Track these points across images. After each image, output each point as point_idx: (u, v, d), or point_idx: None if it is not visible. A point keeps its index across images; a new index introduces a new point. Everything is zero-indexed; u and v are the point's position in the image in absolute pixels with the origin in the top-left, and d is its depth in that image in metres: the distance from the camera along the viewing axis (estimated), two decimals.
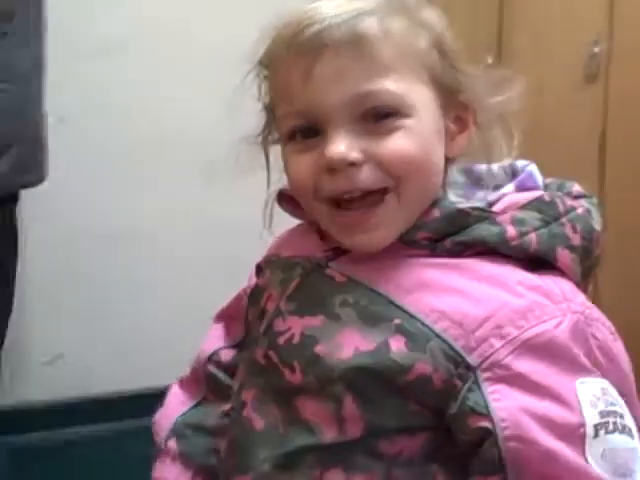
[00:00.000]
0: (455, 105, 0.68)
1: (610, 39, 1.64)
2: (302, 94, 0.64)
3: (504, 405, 0.57)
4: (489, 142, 0.70)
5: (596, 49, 1.66)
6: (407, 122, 0.64)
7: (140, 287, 1.86)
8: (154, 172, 1.85)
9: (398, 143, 0.63)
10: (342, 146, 0.63)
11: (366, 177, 0.63)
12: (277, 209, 0.75)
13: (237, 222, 1.83)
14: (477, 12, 2.01)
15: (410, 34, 0.65)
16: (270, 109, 0.71)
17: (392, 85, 0.63)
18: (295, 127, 0.66)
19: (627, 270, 1.62)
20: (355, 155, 0.63)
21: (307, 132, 0.65)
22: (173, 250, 1.86)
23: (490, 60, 1.91)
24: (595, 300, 1.71)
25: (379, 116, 0.63)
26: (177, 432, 0.78)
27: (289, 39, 0.64)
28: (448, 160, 0.69)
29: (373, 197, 0.64)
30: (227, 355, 0.81)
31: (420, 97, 0.65)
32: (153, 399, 0.83)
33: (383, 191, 0.64)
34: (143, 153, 1.83)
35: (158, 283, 1.90)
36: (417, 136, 0.64)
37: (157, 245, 1.85)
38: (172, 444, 0.77)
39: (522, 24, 1.89)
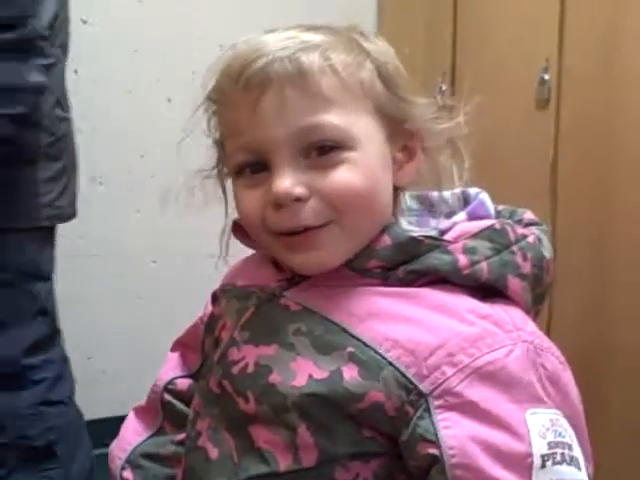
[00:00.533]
0: (402, 134, 0.69)
1: (560, 65, 1.68)
2: (248, 129, 0.65)
3: (453, 433, 0.58)
4: (439, 168, 0.71)
5: (546, 76, 1.69)
6: (351, 155, 0.64)
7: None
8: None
9: (343, 177, 0.64)
10: (287, 182, 0.63)
11: (310, 212, 0.64)
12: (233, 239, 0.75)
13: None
14: (431, 41, 2.05)
15: (353, 66, 0.66)
16: (220, 144, 0.72)
17: (335, 119, 0.64)
18: (243, 162, 0.67)
19: (579, 296, 1.64)
20: (300, 190, 0.64)
21: (255, 167, 0.66)
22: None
23: (444, 87, 1.97)
24: (548, 325, 1.74)
25: (323, 150, 0.64)
26: (132, 462, 0.77)
27: (236, 74, 0.65)
28: (398, 189, 0.70)
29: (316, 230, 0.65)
30: (183, 384, 0.80)
31: (365, 129, 0.66)
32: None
33: (326, 223, 0.65)
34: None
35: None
36: (362, 169, 0.65)
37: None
38: (127, 474, 0.76)
39: (475, 52, 1.93)
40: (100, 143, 1.91)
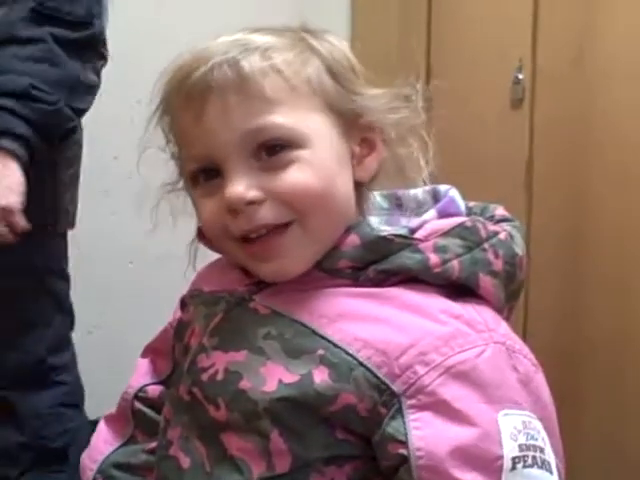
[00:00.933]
0: (358, 128, 0.68)
1: (533, 65, 1.69)
2: (195, 138, 0.65)
3: (422, 434, 0.58)
4: (402, 160, 0.70)
5: (520, 75, 1.70)
6: (302, 153, 0.64)
7: None
8: None
9: (294, 176, 0.63)
10: (240, 187, 0.63)
11: (267, 213, 0.63)
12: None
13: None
14: (405, 41, 2.05)
15: (297, 63, 0.65)
16: (178, 155, 0.71)
17: (280, 118, 0.63)
18: (195, 171, 0.66)
19: (555, 292, 1.65)
20: (253, 194, 0.63)
21: (208, 175, 0.66)
22: None
23: (419, 87, 1.96)
24: (524, 322, 1.75)
25: (272, 151, 0.63)
26: (104, 472, 0.76)
27: (179, 84, 0.65)
28: (361, 184, 0.69)
29: (280, 230, 0.64)
30: (154, 391, 0.79)
31: (315, 126, 0.65)
32: None
33: (287, 224, 0.64)
34: None
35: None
36: (314, 167, 0.64)
37: None
38: None
39: (449, 52, 1.93)
40: None
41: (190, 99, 0.64)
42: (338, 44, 0.69)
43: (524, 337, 1.61)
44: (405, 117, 0.69)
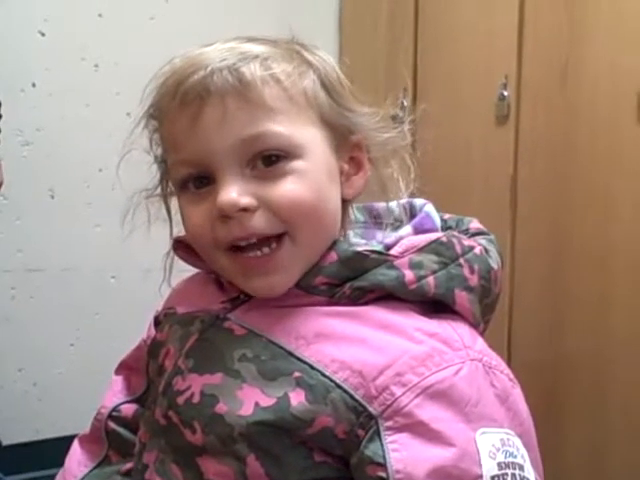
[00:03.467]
0: (348, 145, 0.68)
1: (519, 81, 1.69)
2: (189, 143, 0.63)
3: (400, 456, 0.57)
4: (384, 179, 0.70)
5: (505, 92, 1.70)
6: (298, 165, 0.63)
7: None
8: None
9: (289, 188, 0.62)
10: (233, 193, 0.62)
11: (259, 222, 0.62)
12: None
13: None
14: (392, 57, 2.05)
15: (295, 75, 0.64)
16: (163, 160, 0.70)
17: (278, 127, 0.62)
18: (186, 176, 0.65)
19: (539, 309, 1.65)
20: (246, 200, 0.62)
21: (199, 181, 0.64)
22: None
23: (406, 103, 1.97)
24: (508, 338, 1.74)
25: (269, 160, 0.63)
26: None
27: (174, 88, 0.63)
28: (346, 201, 0.68)
29: (269, 242, 0.63)
30: (128, 410, 0.78)
31: (310, 138, 0.64)
32: None
33: (278, 236, 0.63)
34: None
35: None
36: (309, 179, 0.63)
37: None
38: None
39: (435, 68, 1.94)
40: (55, 157, 1.89)
41: (186, 102, 0.62)
42: (328, 60, 0.69)
43: (508, 351, 1.62)
44: (392, 137, 0.69)
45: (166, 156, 0.68)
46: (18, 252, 1.91)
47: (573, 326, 1.58)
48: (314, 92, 0.65)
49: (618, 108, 1.49)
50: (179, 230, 0.71)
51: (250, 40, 0.66)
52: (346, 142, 0.67)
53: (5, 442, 1.74)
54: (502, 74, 1.70)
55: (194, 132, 0.62)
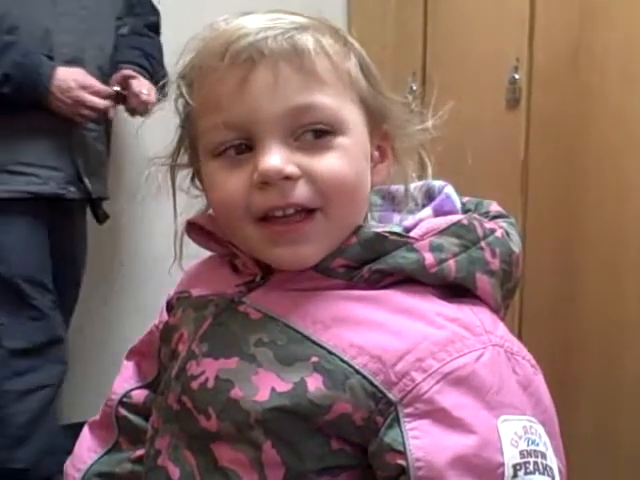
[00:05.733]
0: (379, 133, 0.67)
1: (530, 65, 1.67)
2: (235, 105, 0.61)
3: (421, 444, 0.56)
4: (403, 171, 0.69)
5: (516, 75, 1.69)
6: (343, 141, 0.62)
7: None
8: None
9: (334, 162, 0.61)
10: (278, 158, 0.60)
11: (300, 192, 0.60)
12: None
13: None
14: (402, 40, 2.04)
15: (341, 54, 0.63)
16: (187, 126, 0.67)
17: (329, 100, 0.61)
18: (225, 140, 0.62)
19: (549, 293, 1.64)
20: (291, 169, 0.60)
21: (237, 147, 0.62)
22: None
23: (415, 86, 1.95)
24: (519, 322, 1.73)
25: (316, 132, 0.61)
26: None
27: (221, 48, 0.61)
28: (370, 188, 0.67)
29: (303, 214, 0.61)
30: (139, 396, 0.76)
31: (353, 116, 0.63)
32: None
33: (311, 210, 0.62)
34: None
35: None
36: (351, 158, 0.62)
37: None
38: None
39: (445, 51, 1.92)
40: None
41: (236, 63, 0.60)
42: (360, 47, 0.68)
43: (519, 335, 1.61)
44: (419, 131, 0.68)
45: (196, 119, 0.65)
46: None
47: (584, 311, 1.57)
48: (356, 74, 0.64)
49: (629, 91, 1.48)
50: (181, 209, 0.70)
51: (293, 13, 0.64)
52: (378, 129, 0.67)
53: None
54: (513, 57, 1.68)
55: (242, 94, 0.60)
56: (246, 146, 0.62)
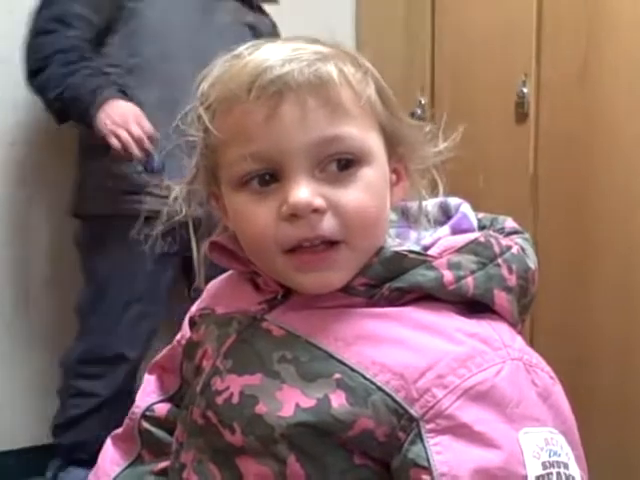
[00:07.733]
0: (395, 156, 0.68)
1: (538, 79, 1.68)
2: (264, 137, 0.61)
3: (445, 459, 0.56)
4: (416, 188, 0.70)
5: (525, 89, 1.70)
6: (367, 173, 0.63)
7: None
8: None
9: (358, 197, 0.62)
10: (307, 192, 0.61)
11: (327, 225, 0.62)
12: None
13: None
14: (410, 54, 2.05)
15: (363, 82, 0.64)
16: (206, 154, 0.67)
17: (354, 131, 0.62)
18: (251, 171, 0.63)
19: (561, 308, 1.64)
20: (319, 202, 0.61)
21: (261, 177, 0.63)
22: None
23: (423, 101, 1.96)
24: (530, 337, 1.73)
25: (342, 164, 0.62)
26: None
27: (248, 80, 0.61)
28: None
29: (328, 244, 0.62)
30: (162, 409, 0.78)
31: (375, 145, 0.64)
32: None
33: (335, 242, 0.63)
34: None
35: None
36: (374, 189, 0.63)
37: None
38: None
39: (454, 66, 1.93)
40: None
41: (263, 97, 0.61)
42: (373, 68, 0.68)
43: (531, 347, 1.61)
44: (433, 153, 0.69)
45: (222, 149, 0.65)
46: None
47: (597, 324, 1.57)
48: (375, 99, 0.65)
49: (637, 106, 1.49)
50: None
51: (313, 41, 0.65)
52: (395, 152, 0.67)
53: None
54: (521, 72, 1.69)
55: (270, 127, 0.61)
56: (270, 176, 0.63)
